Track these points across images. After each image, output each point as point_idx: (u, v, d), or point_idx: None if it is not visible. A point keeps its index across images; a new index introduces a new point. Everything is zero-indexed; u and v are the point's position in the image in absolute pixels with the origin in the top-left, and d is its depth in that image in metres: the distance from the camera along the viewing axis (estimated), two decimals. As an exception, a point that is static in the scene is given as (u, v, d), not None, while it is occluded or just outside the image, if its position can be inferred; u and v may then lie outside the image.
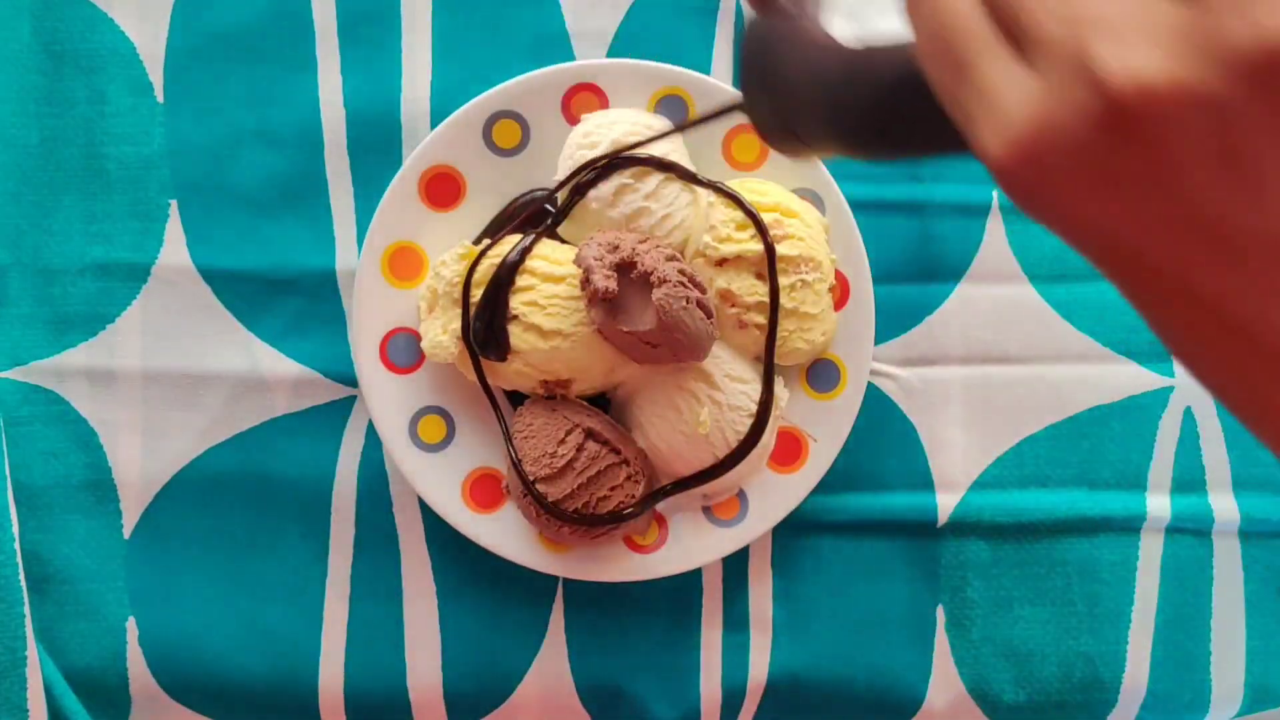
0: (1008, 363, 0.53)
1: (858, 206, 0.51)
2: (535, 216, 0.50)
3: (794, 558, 0.53)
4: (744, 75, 0.33)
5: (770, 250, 0.47)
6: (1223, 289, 0.21)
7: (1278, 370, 0.22)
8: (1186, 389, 0.54)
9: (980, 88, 0.22)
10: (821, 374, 0.51)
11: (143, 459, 0.52)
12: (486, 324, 0.47)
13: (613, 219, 0.48)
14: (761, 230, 0.48)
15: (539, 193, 0.51)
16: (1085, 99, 0.20)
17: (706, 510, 0.51)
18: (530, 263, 0.47)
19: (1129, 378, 0.54)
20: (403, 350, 0.50)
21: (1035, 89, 0.21)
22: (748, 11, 0.32)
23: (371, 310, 0.50)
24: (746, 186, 0.49)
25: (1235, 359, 0.22)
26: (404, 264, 0.50)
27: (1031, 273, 0.54)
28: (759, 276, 0.48)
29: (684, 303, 0.44)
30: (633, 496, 0.48)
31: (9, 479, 0.51)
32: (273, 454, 0.52)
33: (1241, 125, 0.19)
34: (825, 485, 0.50)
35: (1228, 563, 0.54)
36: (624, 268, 0.45)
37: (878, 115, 0.27)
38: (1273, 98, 0.19)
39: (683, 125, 0.47)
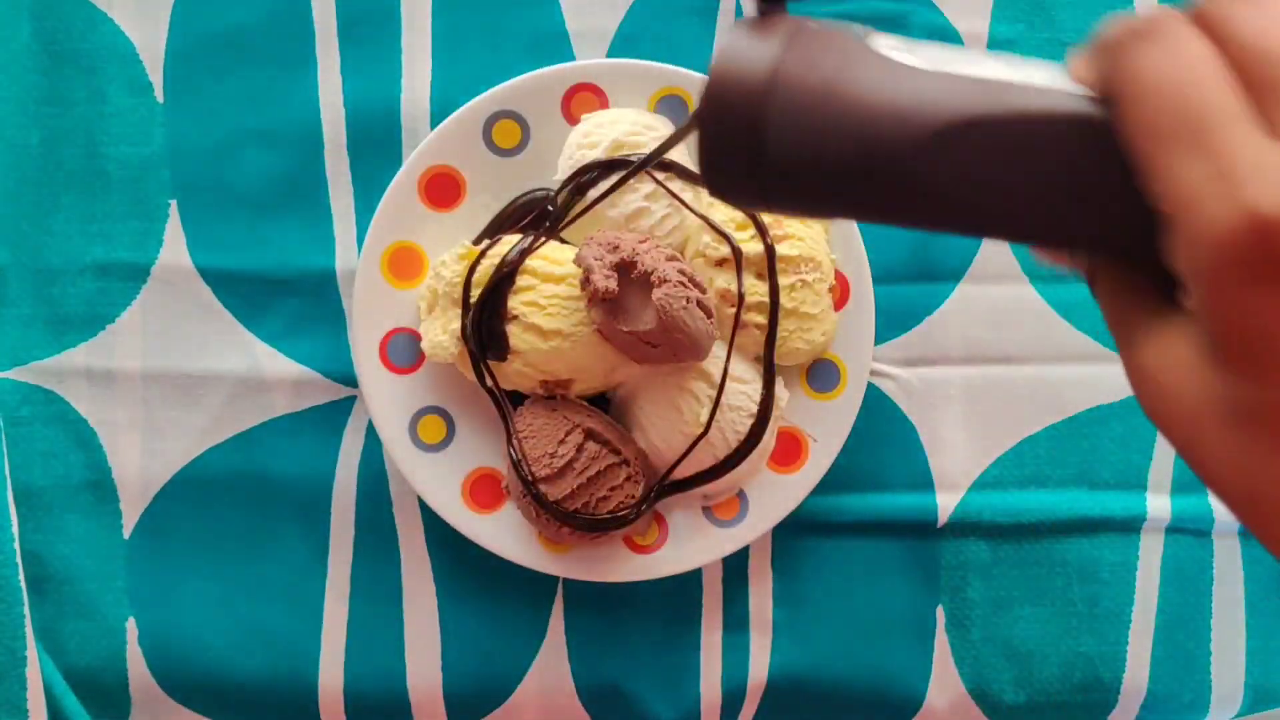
0: (1008, 363, 0.53)
1: (858, 206, 0.50)
2: (535, 216, 0.50)
3: (794, 558, 0.53)
4: (713, 118, 0.24)
5: (770, 250, 0.47)
6: None
7: None
8: (1187, 389, 0.54)
9: (1221, 159, 0.21)
10: (821, 374, 0.51)
11: (142, 459, 0.52)
12: (486, 324, 0.47)
13: (613, 219, 0.48)
14: (761, 230, 0.48)
15: (539, 193, 0.51)
16: None
17: (706, 510, 0.51)
18: (530, 263, 0.47)
19: (1129, 378, 0.54)
20: (403, 350, 0.50)
21: None
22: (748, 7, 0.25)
23: (371, 310, 0.50)
24: (746, 186, 0.49)
25: None
26: (404, 264, 0.50)
27: (1031, 273, 0.54)
28: (759, 276, 0.48)
29: (684, 303, 0.44)
30: (633, 497, 0.48)
31: (9, 479, 0.51)
32: (272, 454, 0.52)
33: None
34: (825, 485, 0.50)
35: (1228, 563, 0.54)
36: (624, 268, 0.45)
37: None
38: None
39: (660, 151, 0.38)
